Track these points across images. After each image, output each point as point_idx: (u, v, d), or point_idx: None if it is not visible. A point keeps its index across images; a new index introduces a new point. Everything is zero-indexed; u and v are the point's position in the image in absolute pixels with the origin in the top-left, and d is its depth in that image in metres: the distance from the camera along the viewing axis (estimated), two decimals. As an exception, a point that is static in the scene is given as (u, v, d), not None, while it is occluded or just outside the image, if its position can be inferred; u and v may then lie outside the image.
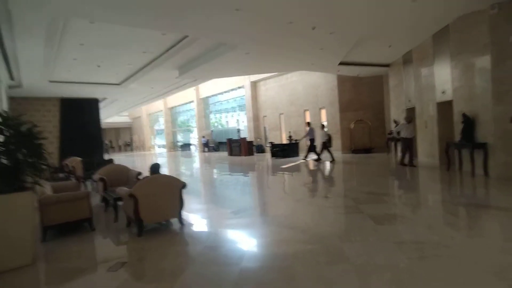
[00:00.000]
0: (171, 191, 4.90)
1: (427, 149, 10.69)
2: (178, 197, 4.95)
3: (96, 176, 7.21)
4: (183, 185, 4.99)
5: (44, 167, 4.34)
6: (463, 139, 7.95)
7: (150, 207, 4.69)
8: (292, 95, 19.55)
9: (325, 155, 13.78)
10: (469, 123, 7.83)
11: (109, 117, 34.27)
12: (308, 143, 14.21)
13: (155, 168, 5.16)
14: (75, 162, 12.29)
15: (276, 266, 3.31)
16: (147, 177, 5.02)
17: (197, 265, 3.51)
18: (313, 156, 14.17)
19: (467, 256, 3.26)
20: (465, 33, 8.03)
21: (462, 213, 5.07)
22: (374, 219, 4.66)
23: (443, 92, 9.29)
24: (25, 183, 4.09)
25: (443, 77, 9.28)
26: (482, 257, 3.22)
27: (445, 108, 9.40)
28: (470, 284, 2.74)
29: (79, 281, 3.39)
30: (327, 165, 12.37)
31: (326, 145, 13.56)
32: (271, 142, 18.16)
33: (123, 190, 5.08)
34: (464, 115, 7.90)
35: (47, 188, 5.64)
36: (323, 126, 14.07)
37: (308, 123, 14.96)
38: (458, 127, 8.40)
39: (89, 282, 3.36)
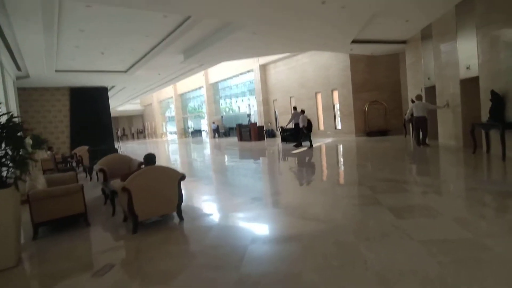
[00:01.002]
0: (168, 183, 4.47)
1: (449, 130, 9.95)
2: (177, 190, 4.52)
3: (96, 166, 6.88)
4: (182, 177, 4.55)
5: (27, 161, 3.98)
6: (491, 119, 7.22)
7: (146, 201, 4.28)
8: (303, 77, 18.83)
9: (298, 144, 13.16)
10: (498, 101, 7.08)
11: (120, 105, 34.26)
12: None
13: (149, 158, 4.73)
14: (82, 151, 12.08)
15: (281, 271, 2.85)
16: (141, 168, 4.60)
17: (192, 269, 3.09)
18: (305, 141, 13.56)
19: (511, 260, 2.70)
20: (493, 1, 7.21)
21: (498, 204, 4.44)
22: (394, 211, 4.13)
23: (467, 68, 8.49)
24: (6, 179, 3.73)
25: (467, 52, 8.45)
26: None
27: (469, 85, 8.62)
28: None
29: (62, 286, 3.02)
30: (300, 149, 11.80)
31: (305, 130, 13.16)
32: (281, 127, 17.62)
33: (117, 183, 4.69)
34: (492, 92, 7.15)
35: (39, 182, 5.31)
36: (302, 111, 13.50)
37: (294, 108, 14.50)
38: (485, 105, 7.66)
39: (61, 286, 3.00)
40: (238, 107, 27.57)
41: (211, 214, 5.05)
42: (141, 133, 44.77)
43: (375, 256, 2.95)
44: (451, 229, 3.43)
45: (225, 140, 22.84)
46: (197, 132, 33.07)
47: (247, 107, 25.88)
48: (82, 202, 4.78)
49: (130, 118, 46.13)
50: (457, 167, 7.24)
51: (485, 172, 6.64)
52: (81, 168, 11.50)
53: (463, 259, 2.73)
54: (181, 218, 4.57)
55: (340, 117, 17.01)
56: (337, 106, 17.24)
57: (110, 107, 18.86)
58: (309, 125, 13.18)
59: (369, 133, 15.51)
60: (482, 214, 4.02)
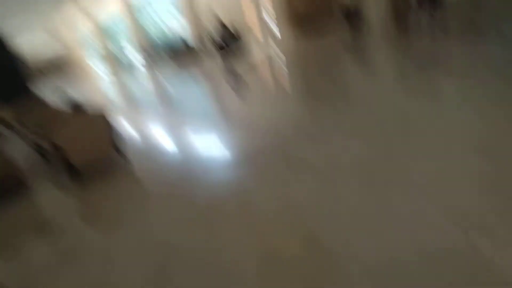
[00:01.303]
0: (97, 125, 4.21)
1: (379, 15, 9.90)
2: (108, 129, 4.28)
3: (22, 125, 6.30)
4: (105, 114, 4.26)
5: None
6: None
7: (79, 150, 4.11)
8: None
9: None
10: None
11: (34, 46, 30.41)
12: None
13: (73, 105, 4.37)
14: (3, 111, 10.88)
15: (235, 198, 2.89)
16: (67, 117, 4.27)
17: (146, 212, 3.11)
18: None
19: (437, 127, 3.04)
20: None
21: (425, 79, 4.67)
22: (335, 107, 4.31)
23: None
24: None
25: None
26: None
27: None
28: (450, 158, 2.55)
29: (20, 259, 2.94)
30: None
31: (228, 48, 11.96)
32: (218, 45, 16.51)
33: (45, 140, 4.35)
34: None
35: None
36: (224, 25, 12.05)
37: (221, 23, 13.07)
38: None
39: (22, 256, 2.94)
40: (169, 28, 25.39)
41: (159, 147, 4.99)
42: (69, 76, 40.91)
43: (318, 155, 3.13)
44: (383, 110, 3.80)
45: (161, 68, 21.54)
46: (130, 65, 30.67)
47: (177, 26, 23.91)
48: (10, 169, 4.45)
49: (55, 63, 41.59)
50: (386, 50, 7.41)
51: (412, 50, 6.68)
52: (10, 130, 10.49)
53: (393, 132, 3.10)
54: (124, 158, 4.44)
55: (272, 18, 16.33)
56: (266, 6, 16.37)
57: (24, 52, 16.44)
58: (233, 38, 12.27)
59: (302, 29, 15.03)
60: (413, 88, 4.34)
